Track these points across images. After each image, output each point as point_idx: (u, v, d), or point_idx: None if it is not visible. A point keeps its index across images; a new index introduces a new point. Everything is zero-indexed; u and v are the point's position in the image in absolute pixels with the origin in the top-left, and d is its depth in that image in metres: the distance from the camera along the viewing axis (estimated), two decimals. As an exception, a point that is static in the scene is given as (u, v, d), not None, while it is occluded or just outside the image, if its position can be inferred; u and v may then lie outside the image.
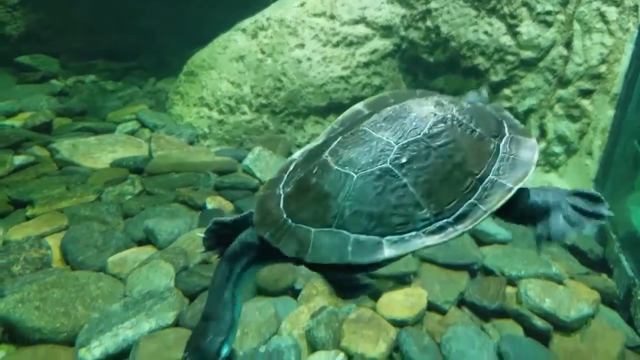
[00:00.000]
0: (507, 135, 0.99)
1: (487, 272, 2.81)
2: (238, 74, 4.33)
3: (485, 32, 3.76)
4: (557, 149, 3.75)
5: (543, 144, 3.79)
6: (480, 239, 3.08)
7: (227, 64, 4.40)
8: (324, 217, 0.86)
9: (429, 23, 4.03)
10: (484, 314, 2.55)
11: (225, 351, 0.98)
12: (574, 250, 3.08)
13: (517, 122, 1.07)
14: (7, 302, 2.31)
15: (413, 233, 0.87)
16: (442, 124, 0.92)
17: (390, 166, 0.87)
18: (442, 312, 2.55)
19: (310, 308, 2.46)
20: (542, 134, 3.78)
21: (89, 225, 2.89)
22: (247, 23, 4.62)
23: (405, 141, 0.90)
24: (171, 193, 3.36)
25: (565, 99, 3.62)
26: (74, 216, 3.00)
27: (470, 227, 0.89)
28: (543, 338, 2.41)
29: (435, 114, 0.93)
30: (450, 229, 0.88)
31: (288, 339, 2.26)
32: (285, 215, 0.91)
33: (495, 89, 3.78)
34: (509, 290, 2.67)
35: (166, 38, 6.03)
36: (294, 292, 2.62)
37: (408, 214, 0.87)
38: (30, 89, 4.92)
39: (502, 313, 2.55)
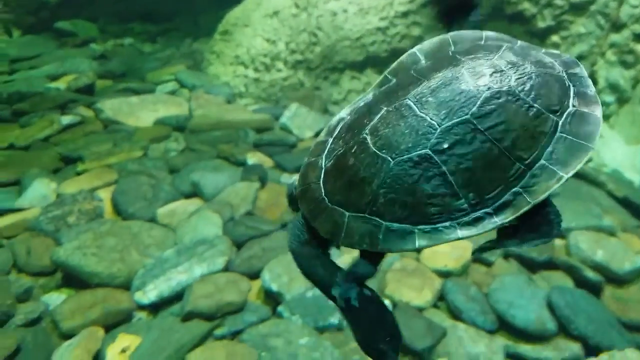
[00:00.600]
0: (570, 108, 0.87)
1: None
2: (272, 30, 4.24)
3: (531, -23, 3.54)
4: (609, 98, 3.55)
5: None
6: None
7: (261, 21, 4.31)
8: (359, 202, 0.84)
9: (469, -30, 3.82)
10: (531, 266, 2.47)
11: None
12: (626, 203, 2.95)
13: (588, 84, 0.92)
14: (66, 249, 2.38)
15: (447, 224, 0.82)
16: (495, 101, 0.83)
17: (429, 152, 0.82)
18: (488, 264, 2.49)
19: (353, 257, 2.44)
20: (593, 82, 3.57)
21: (137, 178, 2.93)
22: (280, -22, 4.49)
23: (450, 123, 0.82)
24: (213, 149, 3.37)
25: (619, 44, 3.39)
26: (122, 171, 3.05)
27: (511, 217, 0.81)
28: (594, 290, 2.33)
29: (489, 87, 0.84)
30: (487, 221, 0.81)
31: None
32: (323, 194, 0.89)
33: (542, 36, 3.58)
34: (557, 242, 2.59)
35: (199, -1, 5.95)
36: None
37: (444, 203, 0.82)
38: (72, 53, 4.97)
39: (551, 265, 2.47)
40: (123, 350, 1.97)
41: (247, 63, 4.20)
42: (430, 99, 0.85)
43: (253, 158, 3.29)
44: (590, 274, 2.37)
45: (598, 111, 0.87)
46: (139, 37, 5.34)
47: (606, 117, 3.58)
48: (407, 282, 2.28)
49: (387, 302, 2.20)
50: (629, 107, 3.53)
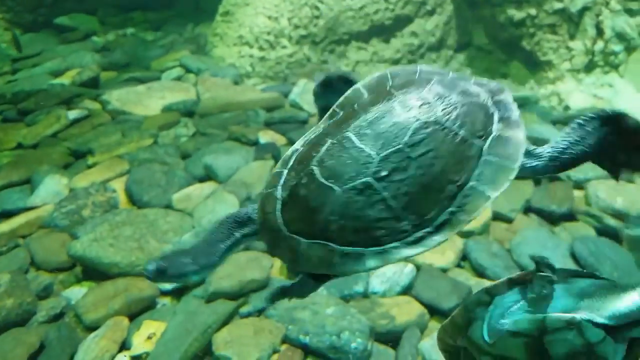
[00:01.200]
0: (494, 133, 0.96)
1: (552, 178, 2.64)
2: (274, 7, 4.08)
3: None
4: (616, 47, 3.38)
5: (601, 44, 3.41)
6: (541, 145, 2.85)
7: (262, -2, 4.15)
8: (313, 230, 0.91)
9: None
10: (552, 219, 2.43)
11: (192, 278, 1.01)
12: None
13: (511, 109, 0.99)
14: (82, 242, 2.31)
15: (394, 244, 0.89)
16: (424, 131, 0.92)
17: (370, 180, 0.89)
18: (509, 221, 2.44)
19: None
20: (599, 33, 3.40)
21: (150, 167, 2.84)
22: (277, -47, 4.31)
23: (386, 152, 0.90)
24: (224, 132, 3.26)
25: (625, -9, 3.22)
26: (134, 160, 2.96)
27: (450, 234, 0.90)
28: (616, 237, 2.29)
29: (417, 119, 0.92)
30: (429, 239, 0.89)
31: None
32: (280, 224, 0.95)
33: (550, -10, 3.39)
34: (576, 193, 2.54)
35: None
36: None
37: (389, 226, 0.88)
38: (73, 47, 4.86)
39: (571, 216, 2.43)
40: (149, 337, 1.90)
41: (252, 42, 4.06)
42: (367, 131, 0.93)
43: (265, 137, 3.18)
44: (612, 222, 2.33)
45: (520, 133, 0.95)
46: (140, 27, 5.21)
47: (615, 67, 3.42)
48: (431, 246, 2.20)
49: (410, 266, 2.12)
50: (638, 54, 3.37)
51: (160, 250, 2.29)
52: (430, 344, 1.83)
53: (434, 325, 1.96)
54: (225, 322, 1.94)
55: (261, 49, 4.07)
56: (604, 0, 3.37)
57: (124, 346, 1.93)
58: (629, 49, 3.40)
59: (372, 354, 1.83)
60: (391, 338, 1.90)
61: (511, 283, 0.98)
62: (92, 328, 1.99)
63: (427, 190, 0.89)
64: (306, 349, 1.83)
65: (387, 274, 2.11)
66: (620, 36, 3.37)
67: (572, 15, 3.28)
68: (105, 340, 1.91)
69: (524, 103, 3.35)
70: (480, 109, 0.97)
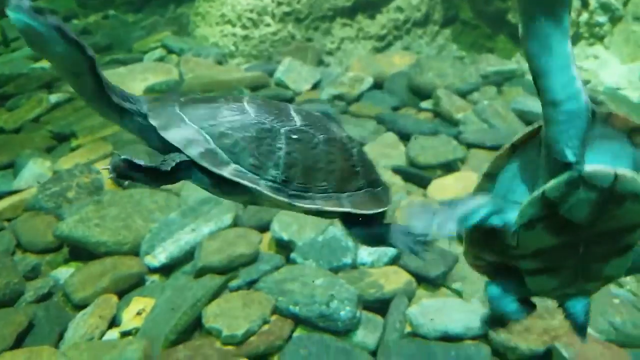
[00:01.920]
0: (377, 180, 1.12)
1: None
2: (257, -15, 4.01)
3: None
4: (601, 18, 3.38)
5: (585, 15, 3.41)
6: (528, 119, 2.86)
7: (244, -24, 4.07)
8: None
9: None
10: None
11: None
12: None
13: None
14: (68, 223, 2.28)
15: (256, 177, 0.95)
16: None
17: (281, 129, 0.97)
18: None
19: None
20: (584, 4, 3.39)
21: (134, 147, 2.79)
22: None
23: (299, 125, 1.01)
24: (208, 111, 3.21)
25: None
26: (117, 142, 2.92)
27: (297, 205, 0.98)
28: None
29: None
30: (282, 195, 0.97)
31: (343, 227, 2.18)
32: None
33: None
34: None
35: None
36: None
37: (263, 165, 0.96)
38: (53, 31, 4.74)
39: None
40: (138, 313, 1.89)
41: (234, 21, 3.99)
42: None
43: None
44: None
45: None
46: (121, 9, 5.10)
47: (600, 39, 3.43)
48: (418, 217, 2.20)
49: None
50: (622, 25, 3.37)
51: (147, 228, 2.27)
52: (417, 311, 1.84)
53: (422, 293, 1.98)
54: (215, 296, 1.93)
55: (244, 27, 4.01)
56: (587, -29, 3.36)
57: (114, 323, 1.92)
58: (614, 20, 3.40)
59: (361, 321, 1.84)
60: (379, 306, 1.91)
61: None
62: (81, 306, 1.98)
63: (312, 171, 0.99)
64: (296, 319, 1.84)
65: (375, 245, 2.12)
66: (605, 7, 3.37)
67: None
68: (95, 318, 1.89)
69: (510, 77, 3.34)
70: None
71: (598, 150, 0.85)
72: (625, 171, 0.83)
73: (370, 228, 1.12)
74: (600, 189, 0.82)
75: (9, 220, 2.50)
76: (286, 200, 0.97)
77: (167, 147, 0.95)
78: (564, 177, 0.82)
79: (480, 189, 0.97)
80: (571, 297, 1.09)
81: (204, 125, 0.96)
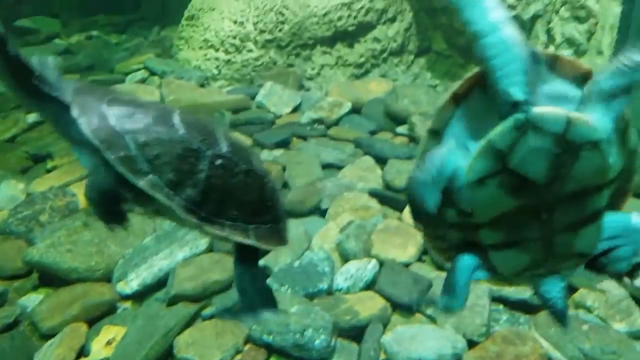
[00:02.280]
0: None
1: None
2: (239, 12, 4.03)
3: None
4: (566, 51, 3.49)
5: (552, 49, 3.51)
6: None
7: (227, 3, 4.09)
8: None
9: None
10: None
11: None
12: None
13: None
14: (39, 248, 2.20)
15: (171, 193, 0.94)
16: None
17: (207, 152, 0.97)
18: None
19: (338, 224, 2.34)
20: (550, 39, 3.51)
21: (110, 169, 2.73)
22: (242, -41, 4.26)
23: (225, 151, 1.00)
24: (188, 134, 3.17)
25: (571, 1, 3.33)
26: (94, 163, 2.84)
27: (205, 229, 0.99)
28: None
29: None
30: (193, 216, 0.96)
31: (320, 252, 2.17)
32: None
33: None
34: None
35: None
36: (321, 212, 2.50)
37: (181, 183, 0.94)
38: (34, 50, 4.65)
39: None
40: (109, 342, 1.82)
41: (217, 45, 3.98)
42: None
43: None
44: None
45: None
46: (104, 29, 5.05)
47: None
48: (392, 240, 2.21)
49: (373, 262, 2.12)
50: (587, 58, 3.49)
51: (120, 254, 2.20)
52: (392, 338, 1.81)
53: (396, 319, 1.95)
54: (187, 325, 1.88)
55: (227, 52, 4.00)
56: (554, 8, 3.47)
57: (82, 353, 1.84)
58: (579, 53, 3.51)
59: (335, 349, 1.80)
60: (355, 333, 1.88)
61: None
62: (48, 336, 1.90)
63: (229, 198, 0.99)
64: (270, 348, 1.79)
65: (351, 271, 2.09)
66: (570, 41, 3.48)
67: (525, 22, 3.38)
68: (62, 348, 1.81)
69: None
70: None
71: (547, 98, 0.78)
72: (579, 114, 0.75)
73: (253, 279, 1.12)
74: (553, 136, 0.75)
75: (-22, 244, 2.40)
76: (196, 221, 0.97)
77: (83, 142, 0.93)
78: (509, 120, 0.75)
79: (425, 149, 0.85)
80: (545, 280, 0.97)
81: (128, 129, 0.93)
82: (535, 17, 3.40)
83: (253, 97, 3.61)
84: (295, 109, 3.56)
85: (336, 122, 3.32)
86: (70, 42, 4.82)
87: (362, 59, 3.96)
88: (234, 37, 3.99)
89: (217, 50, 4.03)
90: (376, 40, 3.98)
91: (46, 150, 3.02)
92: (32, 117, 3.40)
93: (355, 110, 3.44)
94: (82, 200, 2.61)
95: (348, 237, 2.21)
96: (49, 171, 2.87)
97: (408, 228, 2.25)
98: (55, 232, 2.31)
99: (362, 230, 2.24)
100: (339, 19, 3.88)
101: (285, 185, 2.72)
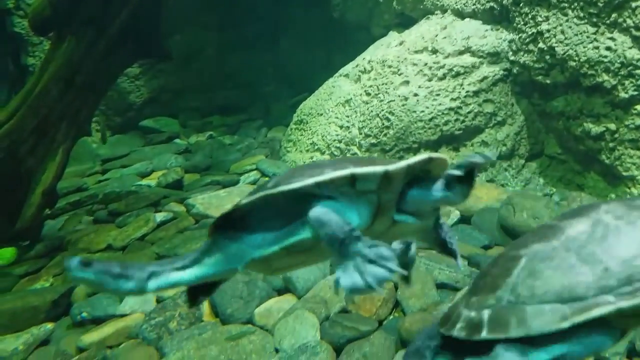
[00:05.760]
0: None
1: None
2: (346, 117, 4.27)
3: (608, 48, 3.38)
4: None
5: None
6: None
7: (334, 109, 4.37)
8: None
9: (541, 45, 3.72)
10: None
11: (117, 283, 1.08)
12: None
13: None
14: (170, 360, 2.31)
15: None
16: None
17: None
18: None
19: None
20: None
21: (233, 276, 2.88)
22: (349, 68, 4.59)
23: None
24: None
25: None
26: (216, 269, 3.01)
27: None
28: None
29: None
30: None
31: None
32: None
33: (626, 107, 3.35)
34: None
35: (268, 89, 6.22)
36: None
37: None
38: (158, 149, 5.23)
39: None
40: None
41: (323, 149, 4.22)
42: None
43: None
44: None
45: None
46: (218, 130, 5.58)
47: None
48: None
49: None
50: None
51: (246, 374, 2.25)
52: None
53: None
54: None
55: (332, 155, 4.21)
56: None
57: None
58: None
59: None
60: None
61: None
62: None
63: None
64: None
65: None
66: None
67: (655, 132, 3.21)
68: None
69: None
70: None
71: None
72: None
73: None
74: None
75: (111, 347, 2.59)
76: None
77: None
78: None
79: None
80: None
81: None
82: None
83: (359, 201, 3.71)
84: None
85: (445, 233, 3.27)
86: (189, 142, 5.36)
87: (469, 163, 3.96)
88: (340, 141, 4.21)
89: (322, 153, 4.26)
90: (484, 143, 3.99)
91: (174, 251, 3.26)
92: (160, 216, 3.75)
93: (464, 219, 3.38)
94: (206, 308, 2.76)
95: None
96: (175, 274, 3.07)
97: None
98: (183, 343, 2.43)
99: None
100: (446, 123, 3.97)
101: (397, 305, 2.68)
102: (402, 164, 1.07)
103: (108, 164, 5.09)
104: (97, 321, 2.78)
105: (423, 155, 1.12)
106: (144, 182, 4.45)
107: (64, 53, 3.47)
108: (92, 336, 2.64)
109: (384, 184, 1.06)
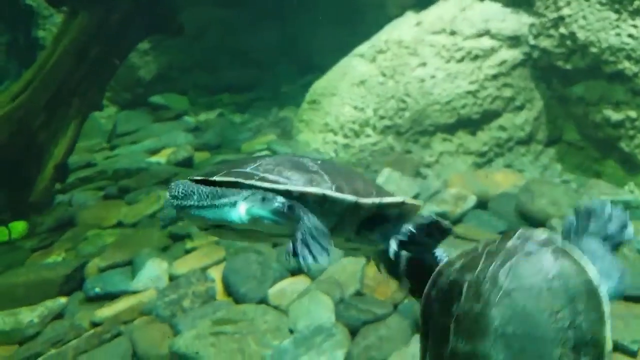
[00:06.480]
0: None
1: None
2: (360, 98, 4.20)
3: (630, 35, 3.29)
4: None
5: None
6: (657, 263, 2.61)
7: (349, 90, 4.29)
8: None
9: (562, 30, 3.63)
10: None
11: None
12: None
13: None
14: (185, 338, 2.31)
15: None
16: None
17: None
18: (631, 354, 2.15)
19: None
20: None
21: (246, 256, 2.87)
22: (364, 48, 4.49)
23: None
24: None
25: None
26: (229, 247, 3.00)
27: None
28: None
29: None
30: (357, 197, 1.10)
31: None
32: None
33: (647, 93, 3.28)
34: None
35: (278, 68, 6.12)
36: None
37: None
38: (167, 126, 5.17)
39: None
40: None
41: (337, 130, 4.16)
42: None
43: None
44: None
45: None
46: (227, 108, 5.51)
47: None
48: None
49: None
50: None
51: (260, 355, 2.24)
52: None
53: None
54: None
55: (346, 136, 4.15)
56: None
57: None
58: None
59: None
60: None
61: None
62: None
63: None
64: None
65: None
66: None
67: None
68: None
69: (625, 208, 3.15)
70: None
71: None
72: None
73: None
74: None
75: (125, 323, 2.59)
76: (366, 201, 1.12)
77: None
78: None
79: None
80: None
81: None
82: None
83: (371, 183, 3.67)
84: (414, 198, 3.54)
85: (460, 218, 3.23)
86: (198, 119, 5.30)
87: (486, 148, 3.90)
88: (354, 122, 4.14)
89: (336, 134, 4.20)
90: (502, 128, 3.92)
91: (185, 229, 3.24)
92: (171, 194, 3.71)
93: (481, 205, 3.34)
94: (219, 287, 2.75)
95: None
96: (187, 252, 3.05)
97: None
98: (198, 321, 2.43)
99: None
100: (463, 106, 3.90)
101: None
102: (375, 200, 1.11)
103: (117, 140, 5.04)
104: (110, 296, 2.78)
105: (397, 198, 1.16)
106: (154, 159, 4.41)
107: (77, 26, 3.40)
108: (105, 311, 2.64)
109: (349, 211, 1.11)
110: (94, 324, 2.54)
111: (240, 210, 1.06)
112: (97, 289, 2.81)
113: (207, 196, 1.07)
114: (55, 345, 2.39)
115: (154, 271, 2.88)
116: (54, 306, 2.68)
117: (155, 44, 6.04)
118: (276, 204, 1.03)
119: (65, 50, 3.41)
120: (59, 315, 2.67)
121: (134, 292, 2.78)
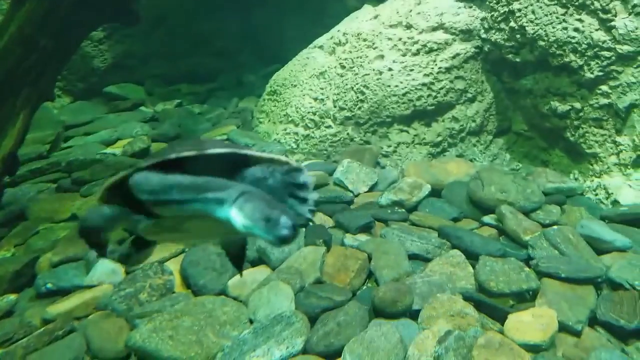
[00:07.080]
0: None
1: (615, 285, 2.47)
2: (320, 90, 4.19)
3: (576, 29, 3.42)
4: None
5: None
6: (597, 246, 2.75)
7: (309, 81, 4.27)
8: None
9: (512, 24, 3.73)
10: (621, 335, 2.23)
11: None
12: None
13: None
14: (142, 332, 2.24)
15: None
16: None
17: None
18: (576, 334, 2.25)
19: (434, 333, 2.21)
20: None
21: (205, 248, 2.81)
22: (323, 40, 4.48)
23: None
24: (272, 211, 3.23)
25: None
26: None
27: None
28: None
29: None
30: None
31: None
32: None
33: (591, 87, 3.43)
34: None
35: (241, 58, 6.01)
36: (412, 314, 2.40)
37: None
38: (123, 117, 4.99)
39: None
40: None
41: (297, 121, 4.14)
42: None
43: (315, 218, 3.14)
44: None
45: None
46: (186, 98, 5.36)
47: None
48: (496, 360, 2.06)
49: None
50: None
51: (219, 346, 2.21)
52: None
53: None
54: None
55: (306, 127, 4.14)
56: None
57: None
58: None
59: None
60: None
61: None
62: None
63: None
64: None
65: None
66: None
67: (619, 111, 3.29)
68: None
69: (570, 194, 3.30)
70: None
71: None
72: None
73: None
74: None
75: (79, 319, 2.49)
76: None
77: None
78: None
79: None
80: None
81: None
82: (631, 107, 3.29)
83: (330, 173, 3.67)
84: (372, 188, 3.58)
85: (416, 206, 3.29)
86: (155, 110, 5.13)
87: (440, 138, 3.99)
88: (314, 113, 4.13)
89: (296, 125, 4.18)
90: (454, 119, 4.01)
91: (141, 223, 3.15)
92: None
93: (435, 192, 3.41)
94: (178, 279, 2.69)
95: (447, 350, 2.07)
96: (144, 245, 2.97)
97: (512, 345, 2.10)
98: (154, 313, 2.37)
99: (462, 344, 2.10)
100: (419, 98, 3.95)
101: (371, 275, 2.70)
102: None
103: (71, 131, 4.82)
104: (63, 292, 2.67)
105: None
106: (109, 150, 4.25)
107: (24, 14, 3.20)
108: (58, 307, 2.53)
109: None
110: (46, 321, 2.43)
111: (235, 217, 1.06)
112: (50, 285, 2.69)
113: (188, 189, 1.05)
114: (4, 345, 2.27)
115: (109, 265, 2.78)
116: (2, 304, 2.55)
117: (111, 32, 5.80)
118: (284, 231, 1.02)
119: (12, 37, 3.20)
120: (8, 313, 2.54)
121: (89, 287, 2.67)
